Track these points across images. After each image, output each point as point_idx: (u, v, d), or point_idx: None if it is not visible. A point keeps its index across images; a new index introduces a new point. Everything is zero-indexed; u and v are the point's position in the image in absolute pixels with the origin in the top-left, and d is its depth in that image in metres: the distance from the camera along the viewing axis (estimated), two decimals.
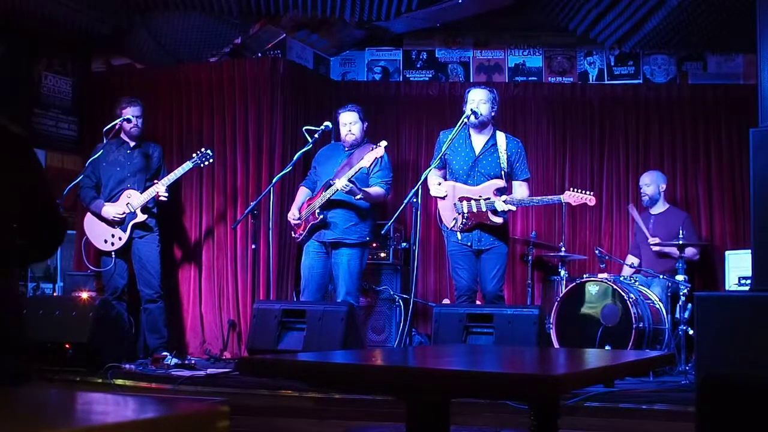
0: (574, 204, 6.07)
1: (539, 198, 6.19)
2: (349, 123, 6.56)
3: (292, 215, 6.63)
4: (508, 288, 7.64)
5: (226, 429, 1.55)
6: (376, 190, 6.46)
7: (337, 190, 6.25)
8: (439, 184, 6.23)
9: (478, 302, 6.32)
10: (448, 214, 6.19)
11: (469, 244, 6.12)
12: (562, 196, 6.05)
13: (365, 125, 6.64)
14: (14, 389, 1.86)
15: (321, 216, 6.38)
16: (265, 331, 6.05)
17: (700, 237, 7.49)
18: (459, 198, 6.10)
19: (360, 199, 6.34)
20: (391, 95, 8.31)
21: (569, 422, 4.57)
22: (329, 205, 6.40)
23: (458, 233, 6.14)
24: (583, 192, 6.01)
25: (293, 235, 6.72)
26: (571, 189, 6.11)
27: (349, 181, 6.20)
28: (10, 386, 2.70)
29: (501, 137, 6.21)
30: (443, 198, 6.20)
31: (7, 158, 3.05)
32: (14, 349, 3.01)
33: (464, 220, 6.07)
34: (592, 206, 7.86)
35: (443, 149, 6.01)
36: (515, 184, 6.20)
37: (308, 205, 6.55)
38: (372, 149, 6.19)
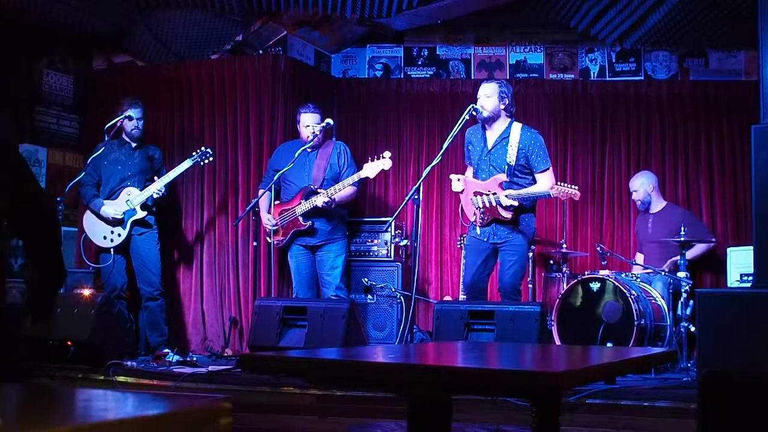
0: (562, 198, 6.02)
1: (532, 192, 6.05)
2: (312, 124, 6.61)
3: (268, 221, 6.66)
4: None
5: (227, 426, 1.55)
6: (348, 191, 6.57)
7: (316, 205, 6.46)
8: (459, 180, 6.24)
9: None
10: (469, 209, 6.18)
11: (485, 239, 6.09)
12: (551, 191, 5.98)
13: (328, 124, 6.68)
14: (16, 386, 1.86)
15: (308, 223, 6.49)
16: (267, 328, 6.06)
17: (708, 231, 7.43)
18: (474, 192, 6.09)
19: (336, 204, 6.54)
20: (393, 92, 8.30)
21: (571, 419, 4.58)
22: (312, 212, 6.54)
23: (477, 228, 6.10)
24: (570, 186, 5.91)
25: (269, 240, 6.73)
26: (559, 183, 6.03)
27: (330, 198, 6.41)
28: (12, 383, 2.70)
29: (515, 129, 6.07)
30: (461, 192, 6.23)
31: None
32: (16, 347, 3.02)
33: (481, 215, 6.04)
34: (592, 204, 7.96)
35: (445, 145, 5.98)
36: (537, 177, 6.06)
37: (281, 210, 6.61)
38: (376, 159, 6.30)
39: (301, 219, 6.51)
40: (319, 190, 6.48)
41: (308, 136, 6.61)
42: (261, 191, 6.82)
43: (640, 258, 7.32)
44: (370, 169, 6.29)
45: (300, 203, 6.53)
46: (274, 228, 6.63)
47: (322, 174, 6.59)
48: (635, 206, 7.56)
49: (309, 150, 6.65)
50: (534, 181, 6.07)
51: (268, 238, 6.75)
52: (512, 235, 6.02)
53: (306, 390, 5.17)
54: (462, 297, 7.19)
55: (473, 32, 8.32)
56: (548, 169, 6.08)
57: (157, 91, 7.72)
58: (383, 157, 6.27)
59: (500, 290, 6.16)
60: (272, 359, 2.71)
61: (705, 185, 7.79)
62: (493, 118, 6.07)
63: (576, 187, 5.90)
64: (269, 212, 6.68)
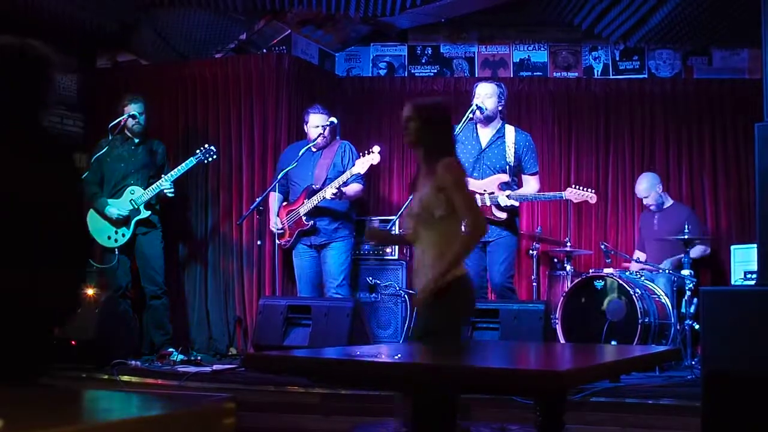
0: (576, 201, 6.05)
1: (542, 194, 6.16)
2: (321, 125, 6.59)
3: (274, 224, 6.68)
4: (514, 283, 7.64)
5: (232, 425, 1.55)
6: (354, 187, 6.57)
7: (324, 198, 6.39)
8: None
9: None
10: None
11: None
12: (564, 193, 6.03)
13: (332, 123, 6.67)
14: (23, 386, 1.87)
15: (311, 222, 6.48)
16: (271, 327, 6.06)
17: (706, 233, 7.45)
18: None
19: (344, 199, 6.50)
20: (396, 90, 8.29)
21: (575, 417, 4.57)
22: (315, 212, 6.48)
23: None
24: (585, 189, 6.00)
25: (278, 242, 6.74)
26: (574, 186, 6.10)
27: (338, 188, 6.34)
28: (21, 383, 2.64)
29: (510, 130, 6.20)
30: None
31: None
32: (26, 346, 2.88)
33: None
34: (596, 202, 7.93)
35: None
36: (525, 178, 6.18)
37: (288, 211, 6.60)
38: (365, 155, 6.29)
39: (304, 218, 6.52)
40: (325, 188, 6.47)
41: (316, 136, 6.59)
42: (270, 193, 6.82)
43: (641, 256, 7.31)
44: (360, 165, 6.31)
45: (303, 203, 6.53)
46: (280, 230, 6.64)
47: (325, 173, 6.58)
48: (639, 204, 7.55)
49: (314, 150, 6.64)
50: (520, 183, 6.15)
51: (277, 240, 6.77)
52: (504, 233, 6.07)
53: (311, 389, 5.17)
54: None
55: (477, 30, 8.31)
56: (537, 172, 6.24)
57: (161, 89, 7.71)
58: (372, 152, 6.29)
59: (493, 290, 6.19)
60: (277, 358, 2.71)
61: (709, 183, 7.79)
62: (490, 118, 6.16)
63: (592, 191, 5.97)
64: (278, 215, 6.69)
